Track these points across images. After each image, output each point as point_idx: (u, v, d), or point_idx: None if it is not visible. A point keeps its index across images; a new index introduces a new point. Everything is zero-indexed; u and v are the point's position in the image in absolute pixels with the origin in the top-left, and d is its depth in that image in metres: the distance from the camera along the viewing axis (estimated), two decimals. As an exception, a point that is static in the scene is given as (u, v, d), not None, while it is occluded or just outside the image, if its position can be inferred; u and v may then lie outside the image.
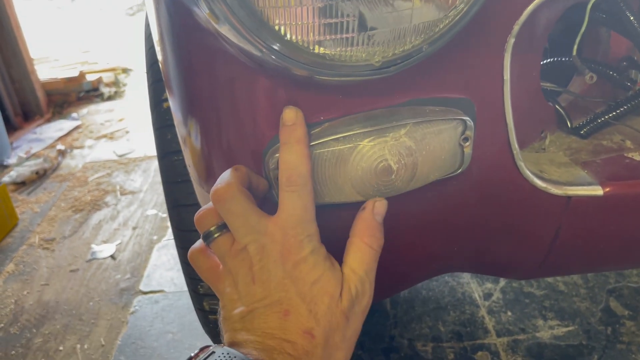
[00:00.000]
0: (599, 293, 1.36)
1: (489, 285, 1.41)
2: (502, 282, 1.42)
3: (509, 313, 1.32)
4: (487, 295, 1.38)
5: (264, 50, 0.51)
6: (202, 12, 0.51)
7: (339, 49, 0.50)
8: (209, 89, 0.62)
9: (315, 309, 0.50)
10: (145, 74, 0.97)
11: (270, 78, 0.57)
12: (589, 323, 1.27)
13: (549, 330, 1.26)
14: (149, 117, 0.98)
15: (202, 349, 0.49)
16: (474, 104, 0.63)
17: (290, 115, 0.54)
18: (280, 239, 0.51)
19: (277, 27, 0.48)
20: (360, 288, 0.53)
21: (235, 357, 0.46)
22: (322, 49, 0.50)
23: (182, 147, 0.77)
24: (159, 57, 0.78)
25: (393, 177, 0.56)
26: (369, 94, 0.59)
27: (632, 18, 0.75)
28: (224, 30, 0.51)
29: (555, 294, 1.36)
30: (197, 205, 0.86)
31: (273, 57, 0.51)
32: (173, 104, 0.73)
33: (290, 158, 0.53)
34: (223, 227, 0.54)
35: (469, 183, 0.68)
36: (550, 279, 1.40)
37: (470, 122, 0.60)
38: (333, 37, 0.49)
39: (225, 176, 0.54)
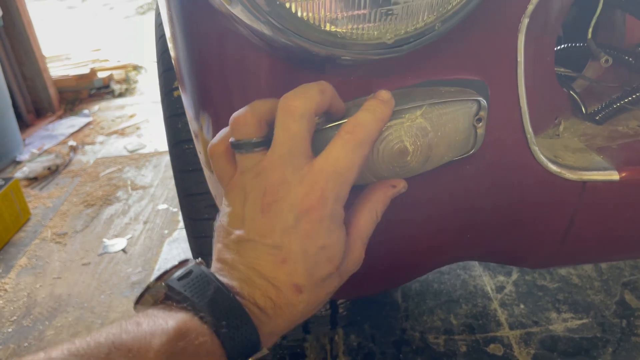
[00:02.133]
0: (614, 286, 1.34)
1: (501, 278, 1.40)
2: (515, 274, 1.41)
3: (522, 306, 1.31)
4: (500, 288, 1.37)
5: (276, 29, 0.50)
6: (214, -6, 0.51)
7: (350, 26, 0.49)
8: (220, 72, 0.62)
9: (314, 272, 0.48)
10: (156, 64, 0.97)
11: (282, 60, 0.57)
12: (604, 316, 1.26)
13: (562, 323, 1.25)
14: (160, 113, 0.98)
15: (180, 263, 0.48)
16: (487, 86, 0.62)
17: (387, 95, 0.52)
18: (307, 186, 0.47)
19: (288, 5, 0.48)
20: (361, 254, 0.54)
21: (209, 283, 0.44)
22: (333, 27, 0.50)
23: (193, 133, 0.76)
24: (170, 45, 0.78)
25: (409, 158, 0.56)
26: (381, 75, 0.58)
27: (649, 0, 0.73)
28: (236, 11, 0.51)
29: (569, 287, 1.35)
30: (208, 194, 0.86)
31: (284, 36, 0.50)
32: (184, 90, 0.73)
33: (366, 117, 0.50)
34: (264, 144, 0.50)
35: (482, 167, 0.67)
36: (563, 272, 1.39)
37: (484, 102, 0.59)
38: (345, 14, 0.48)
39: (311, 91, 0.49)
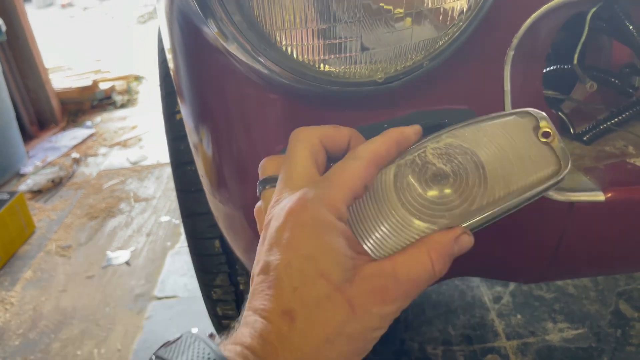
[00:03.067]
0: (609, 296, 1.36)
1: (498, 288, 1.43)
2: (512, 285, 1.43)
3: (519, 316, 1.33)
4: (497, 299, 1.39)
5: (272, 68, 0.53)
6: (211, 31, 0.54)
7: (342, 67, 0.52)
8: (219, 104, 0.65)
9: (304, 291, 0.39)
10: (159, 87, 1.00)
11: (278, 93, 0.60)
12: (599, 326, 1.28)
13: (558, 333, 1.27)
14: (162, 125, 1.01)
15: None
16: (475, 115, 0.65)
17: (411, 131, 0.48)
18: (297, 195, 0.42)
19: (284, 48, 0.51)
20: (393, 289, 0.41)
21: (195, 340, 0.40)
22: (327, 67, 0.53)
23: (195, 157, 0.79)
24: (172, 71, 0.81)
25: (452, 181, 0.44)
26: (374, 108, 0.61)
27: (630, 27, 0.76)
28: (233, 49, 0.54)
29: (565, 297, 1.37)
30: (210, 214, 0.89)
31: (281, 75, 0.53)
32: (185, 116, 0.76)
33: (378, 139, 0.46)
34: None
35: (473, 191, 0.70)
36: (559, 282, 1.41)
37: (540, 114, 0.48)
38: (336, 56, 0.51)
39: (321, 126, 0.48)
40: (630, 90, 0.86)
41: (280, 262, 0.40)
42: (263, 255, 0.42)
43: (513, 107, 0.68)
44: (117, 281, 1.75)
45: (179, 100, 0.82)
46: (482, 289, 1.43)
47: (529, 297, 1.39)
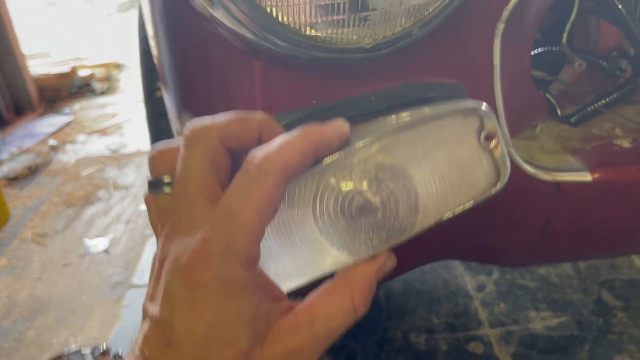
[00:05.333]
0: (591, 285, 1.37)
1: (482, 277, 1.42)
2: (496, 274, 1.43)
3: (502, 304, 1.33)
4: (481, 287, 1.39)
5: (257, 33, 0.51)
6: (197, -1, 0.52)
7: (330, 30, 0.50)
8: (202, 73, 0.63)
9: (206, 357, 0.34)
10: (139, 64, 0.97)
11: (263, 62, 0.57)
12: (581, 314, 1.28)
13: (541, 322, 1.27)
14: (142, 113, 0.98)
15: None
16: (464, 89, 0.63)
17: (334, 135, 0.38)
18: (192, 236, 0.34)
19: (269, 9, 0.49)
20: (309, 347, 0.36)
21: None
22: (314, 31, 0.50)
23: (176, 134, 0.77)
24: (153, 45, 0.78)
25: (380, 216, 0.39)
26: (361, 77, 0.59)
27: (620, 6, 0.75)
28: (218, 14, 0.52)
29: (548, 286, 1.37)
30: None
31: (266, 40, 0.51)
32: (167, 89, 0.73)
33: (291, 144, 0.35)
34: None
35: (460, 169, 0.68)
36: (543, 271, 1.41)
37: (486, 110, 0.41)
38: (325, 19, 0.49)
39: (221, 116, 0.38)
40: (618, 73, 0.85)
41: (181, 327, 0.34)
42: (158, 309, 0.35)
43: (502, 84, 0.67)
44: (94, 269, 1.71)
45: (159, 74, 0.79)
46: (466, 278, 1.43)
47: (512, 286, 1.38)
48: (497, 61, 0.64)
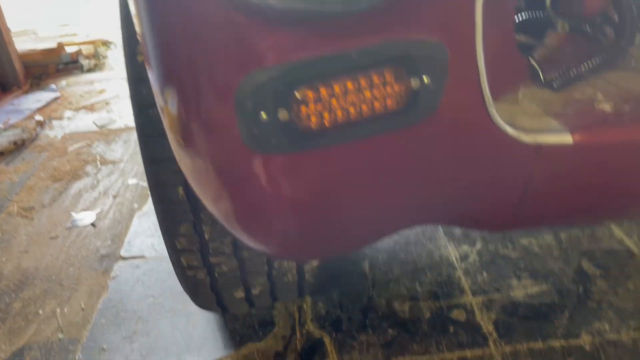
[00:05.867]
0: (572, 254, 1.39)
1: (465, 247, 1.44)
2: (479, 244, 1.44)
3: (485, 274, 1.35)
4: (464, 257, 1.41)
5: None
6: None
7: (309, -21, 0.50)
8: (181, 27, 0.62)
9: None
10: (120, 28, 0.96)
11: (240, 14, 0.57)
12: (562, 282, 1.30)
13: (522, 290, 1.29)
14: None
15: None
16: (445, 48, 0.63)
17: None
18: None
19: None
20: None
21: None
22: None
23: (160, 110, 0.76)
24: (135, 21, 0.77)
25: None
26: (342, 34, 0.59)
27: (604, -32, 0.75)
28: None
29: (530, 256, 1.39)
30: (174, 159, 0.86)
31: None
32: (150, 65, 0.72)
33: None
34: None
35: (440, 130, 0.69)
36: (525, 242, 1.43)
37: None
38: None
39: None
40: (601, 38, 0.85)
41: None
42: None
43: (485, 45, 0.67)
44: (81, 242, 1.71)
45: (142, 50, 0.77)
46: (450, 249, 1.44)
47: (495, 256, 1.40)
48: (479, 20, 0.64)
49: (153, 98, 0.89)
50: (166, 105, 0.69)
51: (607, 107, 0.78)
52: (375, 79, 0.60)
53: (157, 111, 0.89)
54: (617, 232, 1.46)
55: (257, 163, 0.65)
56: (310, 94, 0.59)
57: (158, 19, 0.62)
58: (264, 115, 0.59)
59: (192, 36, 0.60)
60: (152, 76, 0.72)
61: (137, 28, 0.71)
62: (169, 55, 0.63)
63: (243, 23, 0.57)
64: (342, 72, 0.59)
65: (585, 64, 0.83)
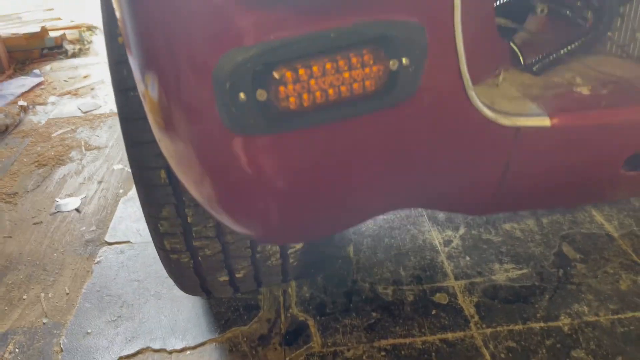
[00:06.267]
0: (553, 239, 1.41)
1: (449, 232, 1.45)
2: (462, 229, 1.46)
3: (467, 258, 1.36)
4: (447, 242, 1.42)
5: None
6: None
7: (284, -42, 0.50)
8: (158, 6, 0.61)
9: None
10: (100, 10, 0.95)
11: (221, 5, 0.57)
12: (542, 266, 1.32)
13: (504, 273, 1.31)
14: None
15: None
16: (424, 29, 0.63)
17: None
18: None
19: None
20: None
21: None
22: (268, -41, 0.50)
23: (142, 96, 0.75)
24: (115, 6, 0.76)
25: None
26: (320, 13, 0.59)
27: (583, -48, 0.76)
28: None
29: (512, 240, 1.41)
30: (155, 143, 0.86)
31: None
32: (130, 52, 0.71)
33: None
34: None
35: (420, 112, 0.69)
36: (507, 227, 1.45)
37: None
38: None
39: None
40: (581, 22, 0.86)
41: None
42: None
43: (464, 28, 0.67)
44: (66, 227, 1.70)
45: (122, 35, 0.77)
46: (433, 233, 1.45)
47: (477, 240, 1.42)
48: (457, 1, 0.64)
49: (134, 81, 0.89)
50: (146, 88, 0.69)
51: (585, 90, 0.79)
52: (354, 60, 0.60)
53: (138, 94, 0.88)
54: (598, 217, 1.48)
55: (236, 144, 0.65)
56: (288, 74, 0.59)
57: (136, 1, 0.62)
58: (242, 95, 0.59)
59: (170, 17, 0.60)
60: (132, 59, 0.71)
61: (117, 12, 0.70)
62: (147, 38, 0.63)
63: (220, 2, 0.57)
64: (321, 53, 0.59)
65: (564, 48, 0.84)
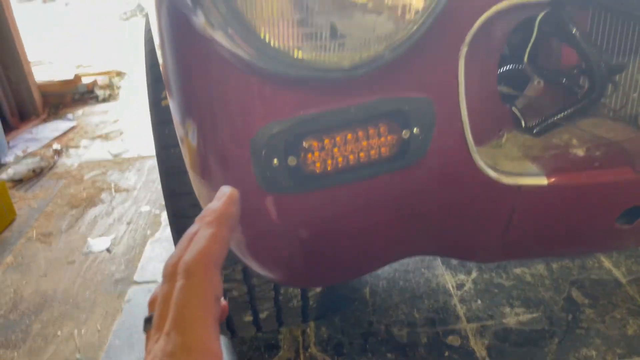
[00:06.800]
0: (562, 284, 1.46)
1: (461, 276, 1.52)
2: (474, 273, 1.52)
3: (479, 301, 1.42)
4: (460, 286, 1.48)
5: (253, 54, 0.61)
6: (199, 21, 0.61)
7: (314, 54, 0.60)
8: (203, 87, 0.72)
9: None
10: (145, 75, 1.07)
11: (257, 77, 0.67)
12: (552, 310, 1.38)
13: (515, 317, 1.37)
14: (143, 119, 1.07)
15: None
16: (433, 103, 0.73)
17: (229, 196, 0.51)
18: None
19: (263, 36, 0.58)
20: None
21: None
22: (301, 53, 0.60)
23: (180, 140, 0.86)
24: (160, 59, 0.88)
25: None
26: (342, 93, 0.69)
27: (574, 31, 0.86)
28: (218, 36, 0.62)
29: (522, 285, 1.47)
30: (192, 194, 0.96)
31: (260, 61, 0.61)
32: (172, 101, 0.83)
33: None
34: None
35: (430, 173, 0.78)
36: (518, 271, 1.51)
37: None
38: (309, 44, 0.59)
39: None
40: (577, 89, 0.95)
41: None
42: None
43: (469, 98, 0.76)
44: (97, 267, 1.80)
45: (165, 88, 0.88)
46: (447, 277, 1.52)
47: (489, 284, 1.48)
48: (462, 78, 0.74)
49: (174, 139, 1.00)
50: (190, 148, 0.79)
51: (580, 151, 0.88)
52: (371, 131, 0.70)
53: (179, 151, 0.99)
54: (606, 263, 1.53)
55: (268, 201, 0.74)
56: (315, 144, 0.69)
57: (186, 81, 0.73)
58: (275, 161, 0.69)
59: (216, 93, 0.70)
60: (177, 122, 0.82)
61: (166, 90, 0.81)
62: (194, 110, 0.73)
63: (260, 83, 0.67)
64: (343, 125, 0.69)
65: (562, 112, 0.93)
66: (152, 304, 0.47)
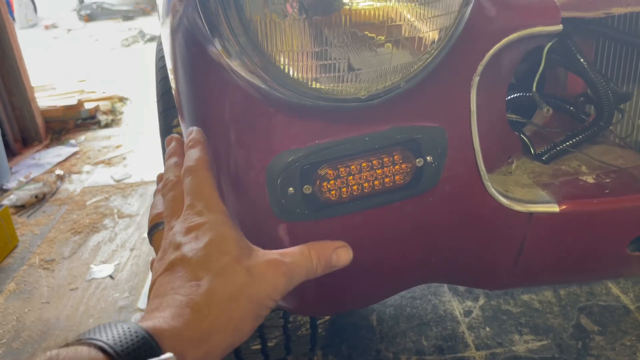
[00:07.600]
0: (571, 310, 1.45)
1: (469, 303, 1.51)
2: (482, 300, 1.51)
3: (488, 329, 1.41)
4: (468, 312, 1.47)
5: (271, 84, 0.61)
6: (216, 49, 0.62)
7: (331, 84, 0.61)
8: (219, 116, 0.73)
9: (208, 264, 0.50)
10: (156, 103, 1.08)
11: (274, 107, 0.68)
12: (561, 338, 1.37)
13: (524, 345, 1.35)
14: (146, 144, 1.08)
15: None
16: (445, 131, 0.74)
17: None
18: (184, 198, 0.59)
19: (282, 67, 0.59)
20: (282, 265, 0.54)
21: (117, 323, 0.46)
22: (318, 84, 0.61)
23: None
24: (173, 86, 0.89)
25: None
26: (357, 122, 0.70)
27: (582, 60, 0.87)
28: (235, 65, 0.62)
29: (531, 311, 1.46)
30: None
31: (278, 90, 0.62)
32: (184, 124, 0.83)
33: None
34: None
35: (442, 201, 0.78)
36: (526, 298, 1.50)
37: None
38: (326, 75, 0.60)
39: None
40: (584, 117, 0.96)
41: (188, 250, 0.51)
42: (169, 255, 0.53)
43: (480, 126, 0.77)
44: (100, 294, 1.79)
45: (179, 115, 0.89)
46: (454, 304, 1.51)
47: (497, 311, 1.47)
48: (474, 107, 0.75)
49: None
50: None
51: (589, 178, 0.88)
52: (386, 160, 0.71)
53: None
54: (614, 289, 1.53)
55: (282, 229, 0.74)
56: (330, 172, 0.69)
57: (200, 109, 0.74)
58: (291, 189, 0.69)
59: (231, 121, 0.71)
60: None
61: (181, 121, 0.82)
62: (209, 138, 0.74)
63: (276, 112, 0.68)
64: (358, 154, 0.70)
65: (570, 140, 0.94)
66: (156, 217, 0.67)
